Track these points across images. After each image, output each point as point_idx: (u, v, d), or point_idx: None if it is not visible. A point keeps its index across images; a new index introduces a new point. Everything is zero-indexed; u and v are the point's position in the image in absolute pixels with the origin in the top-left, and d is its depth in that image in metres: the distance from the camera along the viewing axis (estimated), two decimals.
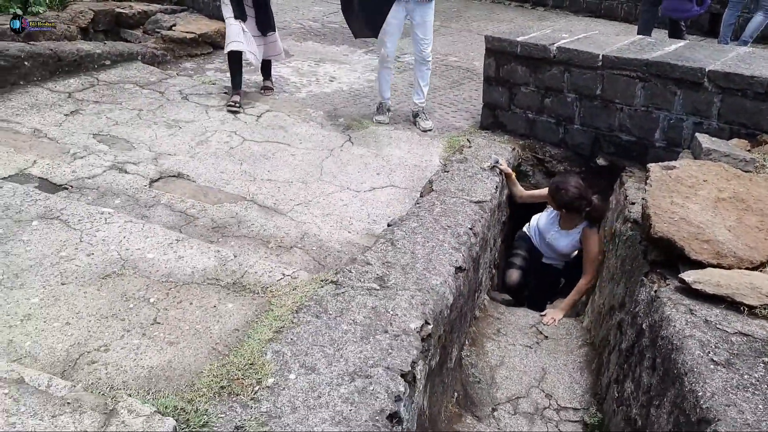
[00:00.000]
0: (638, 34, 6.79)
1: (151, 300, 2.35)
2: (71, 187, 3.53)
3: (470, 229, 3.30)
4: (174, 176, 4.05)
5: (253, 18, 5.42)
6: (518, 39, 4.81)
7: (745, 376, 2.14)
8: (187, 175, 4.09)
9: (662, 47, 4.45)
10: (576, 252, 4.56)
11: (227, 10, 5.28)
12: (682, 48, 4.44)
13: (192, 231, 3.21)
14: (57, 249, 2.63)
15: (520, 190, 4.57)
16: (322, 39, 8.02)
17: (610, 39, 4.77)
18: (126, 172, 3.98)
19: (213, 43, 7.02)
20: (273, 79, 6.09)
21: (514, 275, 4.59)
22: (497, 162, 4.34)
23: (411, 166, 4.67)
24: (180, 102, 5.34)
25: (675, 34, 6.64)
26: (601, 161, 4.69)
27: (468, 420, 2.98)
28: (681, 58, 4.17)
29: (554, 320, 4.08)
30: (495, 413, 3.25)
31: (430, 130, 5.27)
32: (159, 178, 3.97)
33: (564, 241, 4.41)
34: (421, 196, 3.82)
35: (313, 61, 7.04)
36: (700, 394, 2.09)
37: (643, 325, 2.81)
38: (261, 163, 4.48)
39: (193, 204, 3.43)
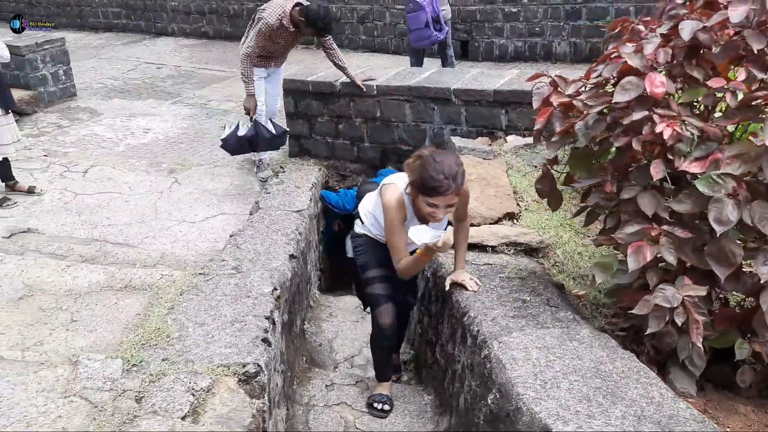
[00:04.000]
0: (411, 66, 8.31)
1: (64, 308, 3.21)
2: None
3: (296, 230, 4.47)
4: (24, 231, 4.75)
5: None
6: (308, 79, 6.15)
7: (486, 285, 3.50)
8: (36, 230, 4.80)
9: (420, 75, 6.04)
10: None
11: None
12: (433, 74, 6.06)
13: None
14: None
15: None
16: (127, 95, 8.81)
17: (380, 72, 6.27)
18: None
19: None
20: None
21: (387, 313, 3.45)
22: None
23: (236, 195, 5.74)
24: None
25: (444, 62, 8.32)
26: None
27: (316, 370, 4.12)
28: (433, 82, 5.76)
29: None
30: (336, 369, 4.43)
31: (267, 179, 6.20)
32: (11, 235, 4.65)
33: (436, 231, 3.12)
34: (251, 215, 4.91)
35: (124, 117, 7.84)
36: (460, 300, 3.42)
37: (428, 274, 4.18)
38: (98, 213, 5.29)
39: (59, 246, 4.21)
